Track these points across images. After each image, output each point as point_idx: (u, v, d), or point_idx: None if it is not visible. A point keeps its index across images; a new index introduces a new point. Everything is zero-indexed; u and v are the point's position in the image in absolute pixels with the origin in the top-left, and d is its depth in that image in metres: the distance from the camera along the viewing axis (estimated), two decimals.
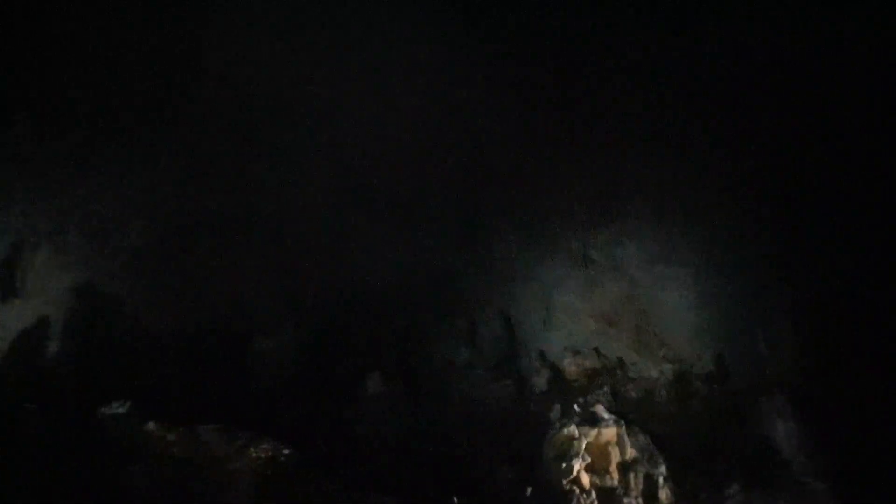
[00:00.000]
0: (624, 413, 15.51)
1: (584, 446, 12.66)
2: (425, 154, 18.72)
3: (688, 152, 18.55)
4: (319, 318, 17.21)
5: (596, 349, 18.52)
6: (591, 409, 13.29)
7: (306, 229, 18.15)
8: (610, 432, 12.93)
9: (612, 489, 12.50)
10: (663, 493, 12.53)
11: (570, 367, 18.01)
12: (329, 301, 17.54)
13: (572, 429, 12.90)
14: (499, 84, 18.02)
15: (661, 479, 12.64)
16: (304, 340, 16.71)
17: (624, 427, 13.06)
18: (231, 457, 11.81)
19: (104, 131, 16.52)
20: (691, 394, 16.44)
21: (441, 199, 19.28)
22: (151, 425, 12.00)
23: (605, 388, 16.27)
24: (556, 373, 17.87)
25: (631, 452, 12.88)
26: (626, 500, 12.33)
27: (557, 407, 15.14)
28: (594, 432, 12.90)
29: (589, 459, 12.69)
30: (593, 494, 12.37)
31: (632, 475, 12.66)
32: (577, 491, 12.34)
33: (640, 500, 12.47)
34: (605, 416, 13.14)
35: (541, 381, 17.56)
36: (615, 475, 12.67)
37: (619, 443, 12.94)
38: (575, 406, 13.61)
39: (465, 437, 14.58)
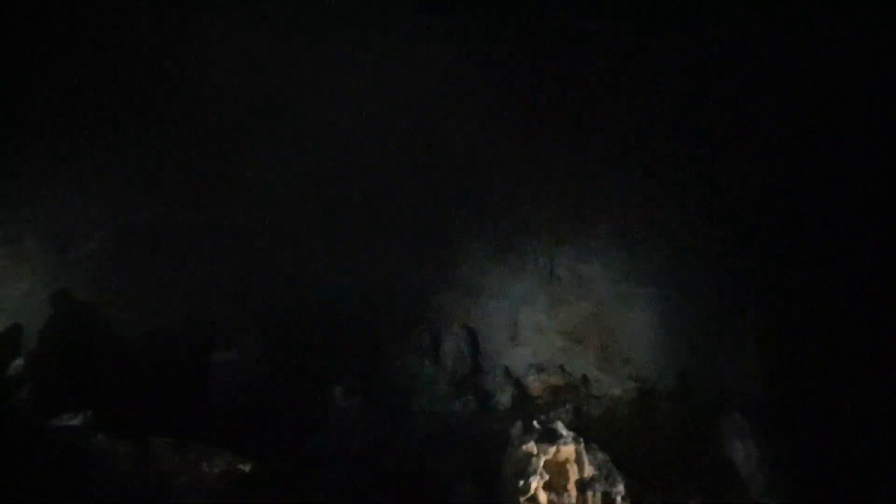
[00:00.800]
0: (585, 430, 15.48)
1: (542, 463, 12.54)
2: (393, 169, 18.71)
3: (653, 171, 18.72)
4: (282, 330, 17.04)
5: (561, 366, 18.52)
6: (551, 426, 13.18)
7: (270, 241, 18.03)
8: (568, 450, 12.82)
9: None
10: None
11: (534, 383, 17.99)
12: (292, 313, 17.38)
13: (531, 445, 12.78)
14: (466, 99, 18.08)
15: (618, 498, 12.54)
16: (266, 352, 16.51)
17: (583, 444, 12.97)
18: (181, 471, 11.56)
19: (64, 137, 16.30)
20: (653, 412, 16.48)
21: (408, 215, 19.26)
22: (100, 438, 11.72)
23: (568, 406, 16.25)
24: (520, 389, 17.83)
25: (589, 470, 12.78)
26: None
27: (519, 424, 14.98)
28: (553, 449, 12.78)
29: (547, 477, 12.56)
30: None
31: (590, 493, 12.55)
32: None
33: None
34: (564, 433, 13.03)
35: (504, 397, 17.50)
36: (573, 493, 12.56)
37: (578, 460, 12.83)
38: (534, 422, 13.50)
39: (425, 452, 14.46)
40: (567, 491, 12.64)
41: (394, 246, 18.93)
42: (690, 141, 18.30)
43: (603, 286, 19.18)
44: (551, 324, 19.41)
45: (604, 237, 19.13)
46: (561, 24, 17.66)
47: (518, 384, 17.95)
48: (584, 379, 18.16)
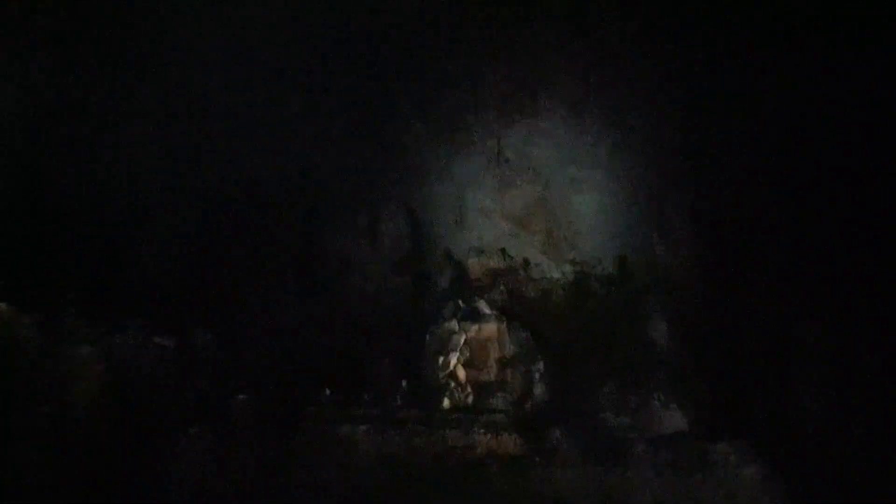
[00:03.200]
0: (518, 311, 15.44)
1: (462, 341, 12.49)
2: (332, 36, 17.64)
3: (607, 50, 17.93)
4: (212, 204, 16.41)
5: (502, 249, 18.22)
6: (475, 305, 13.05)
7: (200, 111, 17.07)
8: (490, 328, 12.77)
9: (489, 383, 12.43)
10: (538, 389, 12.53)
11: (475, 266, 17.68)
12: (224, 188, 16.70)
13: (453, 323, 12.71)
14: None
15: (537, 376, 12.61)
16: (195, 226, 15.95)
17: (505, 323, 12.90)
18: (90, 341, 11.23)
19: None
20: (588, 295, 16.38)
21: (349, 86, 18.33)
22: (3, 306, 11.28)
23: (501, 287, 16.01)
24: (460, 272, 17.58)
25: (510, 349, 12.79)
26: (500, 395, 12.28)
27: (451, 304, 14.84)
28: (475, 328, 12.73)
29: (468, 354, 12.56)
30: (468, 388, 12.30)
31: (509, 371, 12.60)
32: (453, 384, 12.24)
33: (516, 396, 12.44)
34: (487, 311, 12.94)
35: (443, 279, 17.24)
36: (493, 370, 12.59)
37: (500, 339, 12.80)
38: (459, 301, 13.38)
39: (352, 331, 14.29)
40: (487, 368, 12.64)
41: (333, 121, 18.10)
42: (646, 21, 17.51)
43: (551, 169, 18.67)
44: (497, 207, 18.93)
45: (554, 118, 18.46)
46: None
47: (458, 267, 17.67)
48: (525, 262, 17.89)
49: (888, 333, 11.85)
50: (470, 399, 12.21)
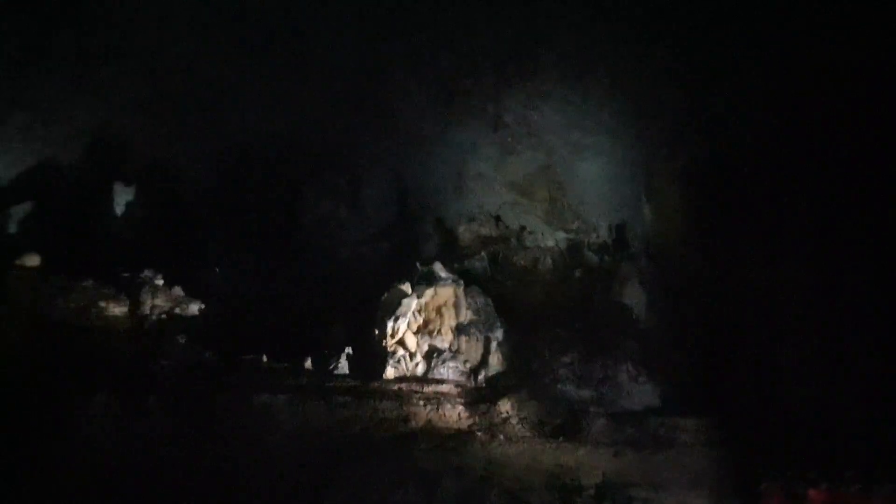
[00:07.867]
0: (499, 279, 14.56)
1: (413, 306, 11.66)
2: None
3: (610, 3, 16.69)
4: (189, 162, 15.96)
5: (497, 217, 17.30)
6: (430, 268, 12.16)
7: (184, 68, 16.56)
8: (446, 292, 11.89)
9: (441, 351, 11.54)
10: (494, 358, 11.60)
11: (465, 234, 16.87)
12: (206, 146, 16.21)
13: (405, 287, 11.84)
14: None
15: (494, 344, 11.67)
16: (166, 186, 15.53)
17: (462, 288, 11.97)
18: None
19: None
20: (579, 263, 15.33)
21: (340, 48, 17.57)
22: None
23: (483, 254, 15.06)
24: (450, 239, 16.75)
25: (467, 315, 11.88)
26: (452, 364, 11.40)
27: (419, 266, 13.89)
28: (430, 292, 11.86)
29: (421, 320, 11.72)
30: (419, 356, 11.47)
31: (464, 338, 11.69)
32: (402, 352, 11.42)
33: (470, 364, 11.54)
34: (444, 275, 12.04)
35: (429, 246, 16.45)
36: (447, 337, 11.70)
37: (456, 304, 11.91)
38: (417, 264, 12.51)
39: (316, 297, 13.61)
40: (441, 335, 11.78)
41: (324, 83, 17.38)
42: None
43: (554, 134, 17.58)
44: (498, 175, 17.94)
45: (554, 80, 17.33)
46: None
47: (449, 234, 16.84)
48: (521, 230, 16.92)
49: (884, 312, 10.39)
50: (420, 368, 11.36)
